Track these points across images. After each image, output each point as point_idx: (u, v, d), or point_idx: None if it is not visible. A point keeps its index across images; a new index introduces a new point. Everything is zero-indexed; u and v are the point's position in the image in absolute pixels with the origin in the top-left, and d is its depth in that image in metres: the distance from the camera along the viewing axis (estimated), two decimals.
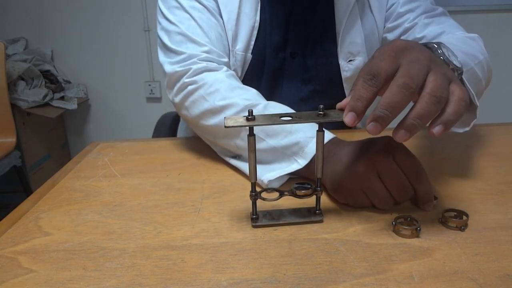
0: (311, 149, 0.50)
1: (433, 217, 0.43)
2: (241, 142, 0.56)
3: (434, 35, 0.70)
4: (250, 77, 0.75)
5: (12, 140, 1.53)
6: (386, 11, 0.76)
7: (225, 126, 0.38)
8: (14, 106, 1.69)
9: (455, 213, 0.43)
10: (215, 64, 0.64)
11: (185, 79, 0.62)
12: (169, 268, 0.37)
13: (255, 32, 0.72)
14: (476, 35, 0.68)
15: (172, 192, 0.52)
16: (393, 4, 0.76)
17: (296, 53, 0.75)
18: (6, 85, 1.52)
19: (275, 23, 0.73)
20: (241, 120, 0.38)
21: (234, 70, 0.72)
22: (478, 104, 0.50)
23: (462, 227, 0.41)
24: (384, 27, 0.77)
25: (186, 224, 0.44)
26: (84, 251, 0.40)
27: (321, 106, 0.38)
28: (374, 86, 0.36)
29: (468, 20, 1.99)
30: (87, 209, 0.48)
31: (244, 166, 0.55)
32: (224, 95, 0.58)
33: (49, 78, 1.91)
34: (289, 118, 0.39)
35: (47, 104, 1.85)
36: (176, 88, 0.63)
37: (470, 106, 0.49)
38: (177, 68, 0.63)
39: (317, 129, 0.40)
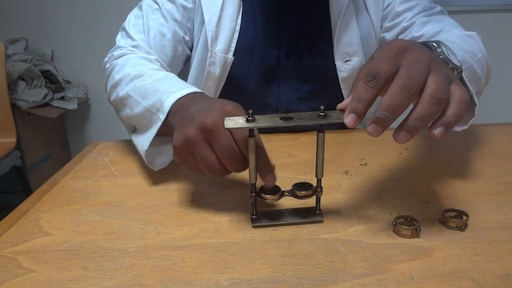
0: (169, 103, 0.48)
1: (433, 217, 0.43)
2: (129, 110, 0.57)
3: (432, 33, 0.70)
4: (236, 78, 0.75)
5: (12, 140, 1.53)
6: (383, 10, 0.76)
7: (225, 128, 0.38)
8: (14, 106, 1.69)
9: (455, 213, 0.43)
10: (134, 52, 0.68)
11: (107, 65, 0.69)
12: (169, 268, 0.37)
13: (236, 35, 0.72)
14: (474, 33, 0.68)
15: (172, 192, 0.52)
16: (389, 4, 0.75)
17: (290, 53, 0.75)
18: (6, 85, 1.52)
19: (266, 20, 0.73)
20: (241, 122, 0.38)
21: (211, 71, 0.73)
22: (477, 102, 0.50)
23: (462, 227, 0.41)
24: (381, 27, 0.77)
25: (186, 224, 0.44)
26: (84, 251, 0.40)
27: (322, 107, 0.38)
28: (374, 88, 0.36)
29: (468, 20, 1.99)
30: (87, 209, 0.48)
31: (140, 140, 0.53)
32: (124, 69, 0.61)
33: (49, 78, 1.91)
34: (290, 119, 0.38)
35: (47, 104, 1.85)
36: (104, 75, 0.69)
37: (469, 105, 0.48)
38: (105, 58, 0.71)
39: (318, 129, 0.40)
